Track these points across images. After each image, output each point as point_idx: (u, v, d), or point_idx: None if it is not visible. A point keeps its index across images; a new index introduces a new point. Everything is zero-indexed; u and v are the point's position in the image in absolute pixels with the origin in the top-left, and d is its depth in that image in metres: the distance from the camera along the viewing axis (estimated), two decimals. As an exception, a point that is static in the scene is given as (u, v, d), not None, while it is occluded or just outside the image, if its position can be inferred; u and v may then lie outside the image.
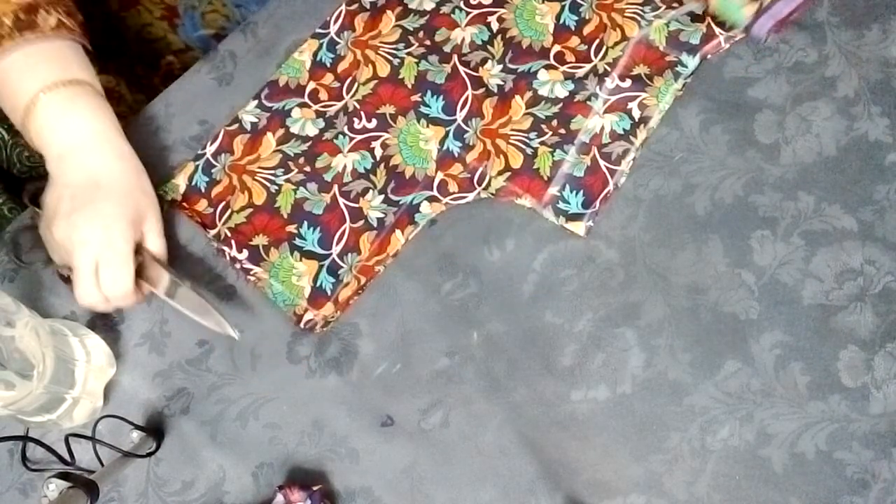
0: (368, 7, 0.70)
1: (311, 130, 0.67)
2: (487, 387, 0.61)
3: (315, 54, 0.69)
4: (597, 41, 0.67)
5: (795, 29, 0.66)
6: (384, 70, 0.68)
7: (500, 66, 0.67)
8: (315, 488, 0.58)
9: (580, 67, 0.67)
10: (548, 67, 0.67)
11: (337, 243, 0.64)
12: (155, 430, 0.62)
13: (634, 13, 0.67)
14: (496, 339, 0.62)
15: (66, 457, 0.55)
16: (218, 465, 0.61)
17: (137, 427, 0.61)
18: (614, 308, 0.62)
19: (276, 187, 0.66)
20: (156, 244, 0.60)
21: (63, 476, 0.54)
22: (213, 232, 0.65)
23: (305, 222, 0.65)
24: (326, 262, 0.64)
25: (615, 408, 0.60)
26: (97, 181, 0.58)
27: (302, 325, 0.63)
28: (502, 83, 0.67)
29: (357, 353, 0.62)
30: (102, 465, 0.57)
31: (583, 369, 0.60)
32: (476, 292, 0.63)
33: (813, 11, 0.66)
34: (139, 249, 0.60)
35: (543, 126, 0.66)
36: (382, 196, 0.65)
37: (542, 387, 0.60)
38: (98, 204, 0.57)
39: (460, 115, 0.66)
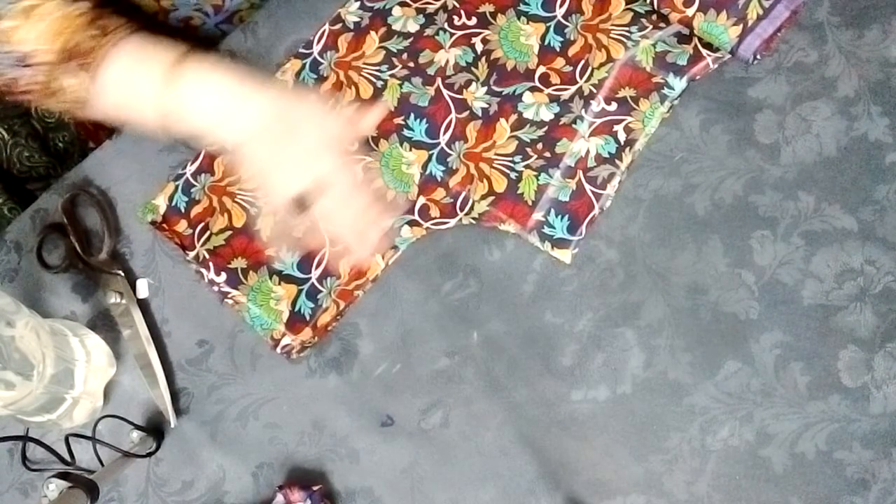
0: (352, 28, 0.69)
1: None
2: (487, 387, 0.61)
3: (298, 74, 0.68)
4: (582, 62, 0.66)
5: (795, 29, 0.66)
6: (367, 92, 0.67)
7: (485, 89, 0.66)
8: (315, 488, 0.58)
9: (565, 89, 0.66)
10: (533, 90, 0.66)
11: (316, 267, 0.63)
12: (155, 430, 0.62)
13: (621, 35, 0.66)
14: (496, 339, 0.62)
15: (66, 457, 0.56)
16: (218, 465, 0.61)
17: (137, 427, 0.61)
18: (614, 308, 0.62)
19: (256, 209, 0.65)
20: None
21: (63, 476, 0.54)
22: (191, 254, 0.64)
23: (284, 246, 0.64)
24: (305, 287, 0.63)
25: (615, 408, 0.60)
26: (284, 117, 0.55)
27: (279, 349, 0.62)
28: (487, 106, 0.66)
29: (357, 353, 0.62)
30: (102, 465, 0.57)
31: (583, 369, 0.60)
32: (476, 292, 0.63)
33: (813, 11, 0.66)
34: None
35: (528, 149, 0.65)
36: None
37: (542, 387, 0.60)
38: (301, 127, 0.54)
39: (443, 139, 0.65)
